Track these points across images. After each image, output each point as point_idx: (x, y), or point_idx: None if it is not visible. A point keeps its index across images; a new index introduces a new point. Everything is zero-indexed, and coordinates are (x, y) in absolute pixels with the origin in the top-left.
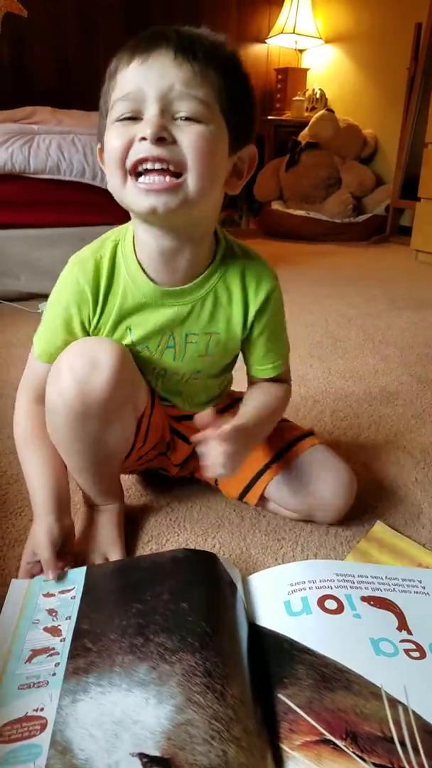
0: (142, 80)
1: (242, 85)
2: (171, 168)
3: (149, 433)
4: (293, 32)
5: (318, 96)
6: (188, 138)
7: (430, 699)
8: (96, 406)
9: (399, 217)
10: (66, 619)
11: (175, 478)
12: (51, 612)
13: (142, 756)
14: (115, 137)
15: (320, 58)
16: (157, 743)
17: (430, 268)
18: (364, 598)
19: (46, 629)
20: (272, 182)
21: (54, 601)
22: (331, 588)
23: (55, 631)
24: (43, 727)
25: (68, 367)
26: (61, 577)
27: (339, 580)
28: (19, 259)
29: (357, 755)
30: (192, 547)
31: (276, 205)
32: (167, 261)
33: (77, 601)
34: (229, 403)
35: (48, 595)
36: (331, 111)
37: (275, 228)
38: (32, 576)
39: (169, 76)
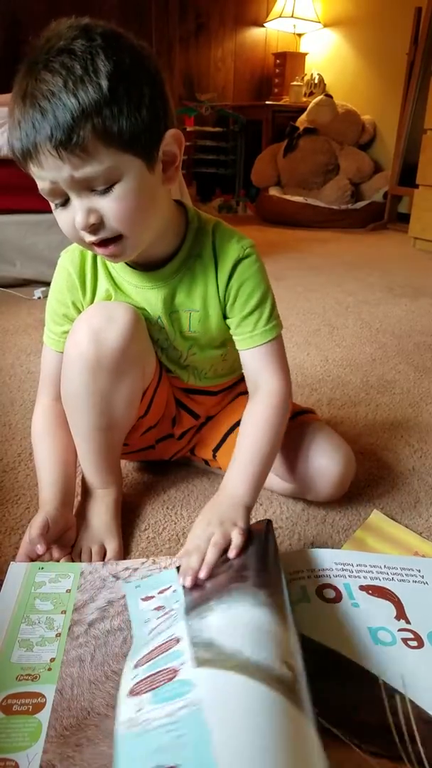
0: (48, 178)
1: (128, 95)
2: (110, 236)
3: (152, 405)
4: (292, 16)
5: (316, 81)
6: (110, 211)
7: (428, 688)
8: (108, 358)
9: (397, 204)
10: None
11: (171, 462)
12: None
13: None
14: (59, 221)
15: (319, 42)
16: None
17: (427, 256)
18: (362, 587)
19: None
20: (270, 168)
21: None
22: (330, 577)
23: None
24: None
25: (85, 321)
26: (50, 557)
27: (338, 569)
28: (14, 244)
29: (354, 744)
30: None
31: (273, 191)
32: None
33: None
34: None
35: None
36: (329, 96)
37: (272, 214)
38: (30, 560)
39: (65, 170)
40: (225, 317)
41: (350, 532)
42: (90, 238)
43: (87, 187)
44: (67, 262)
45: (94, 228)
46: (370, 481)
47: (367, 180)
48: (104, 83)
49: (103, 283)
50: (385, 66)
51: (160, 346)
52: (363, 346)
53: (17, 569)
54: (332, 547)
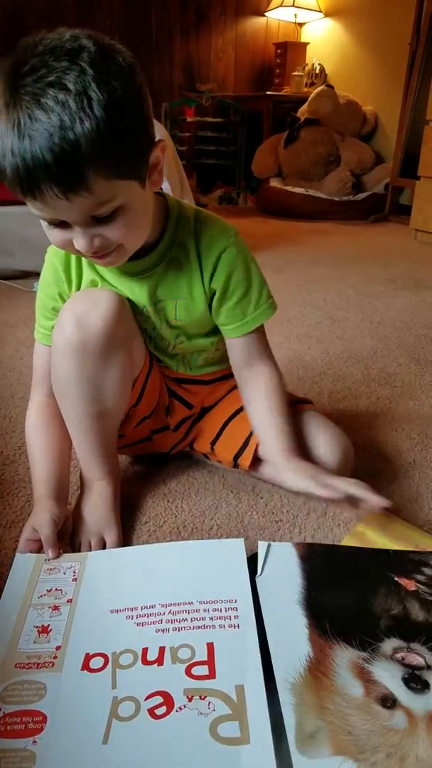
0: (51, 214)
1: (124, 125)
2: (111, 249)
3: (144, 393)
4: (293, 5)
5: (317, 71)
6: (113, 234)
7: None
8: (94, 342)
9: (398, 196)
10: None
11: (171, 455)
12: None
13: None
14: (53, 238)
15: (320, 31)
16: None
17: (429, 248)
18: None
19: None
20: (270, 159)
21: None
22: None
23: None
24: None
25: (69, 307)
26: (58, 557)
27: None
28: (14, 237)
29: None
30: (191, 529)
31: (274, 182)
32: None
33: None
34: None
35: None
36: (330, 87)
37: (273, 205)
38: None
39: (72, 209)
40: (210, 308)
41: (351, 525)
42: (90, 254)
43: (91, 218)
44: (53, 256)
45: (98, 249)
46: (370, 474)
47: (368, 171)
48: (102, 119)
49: (88, 274)
50: (386, 56)
51: (148, 335)
52: (364, 339)
53: (23, 559)
54: (333, 542)
